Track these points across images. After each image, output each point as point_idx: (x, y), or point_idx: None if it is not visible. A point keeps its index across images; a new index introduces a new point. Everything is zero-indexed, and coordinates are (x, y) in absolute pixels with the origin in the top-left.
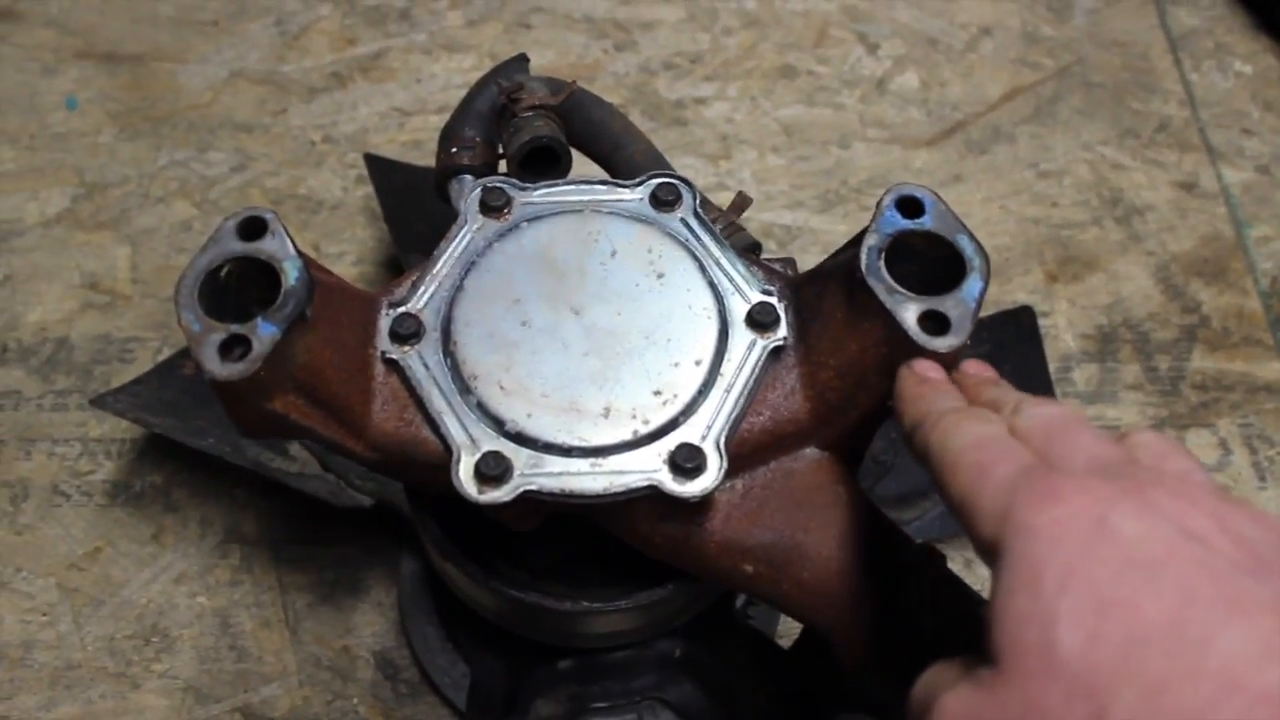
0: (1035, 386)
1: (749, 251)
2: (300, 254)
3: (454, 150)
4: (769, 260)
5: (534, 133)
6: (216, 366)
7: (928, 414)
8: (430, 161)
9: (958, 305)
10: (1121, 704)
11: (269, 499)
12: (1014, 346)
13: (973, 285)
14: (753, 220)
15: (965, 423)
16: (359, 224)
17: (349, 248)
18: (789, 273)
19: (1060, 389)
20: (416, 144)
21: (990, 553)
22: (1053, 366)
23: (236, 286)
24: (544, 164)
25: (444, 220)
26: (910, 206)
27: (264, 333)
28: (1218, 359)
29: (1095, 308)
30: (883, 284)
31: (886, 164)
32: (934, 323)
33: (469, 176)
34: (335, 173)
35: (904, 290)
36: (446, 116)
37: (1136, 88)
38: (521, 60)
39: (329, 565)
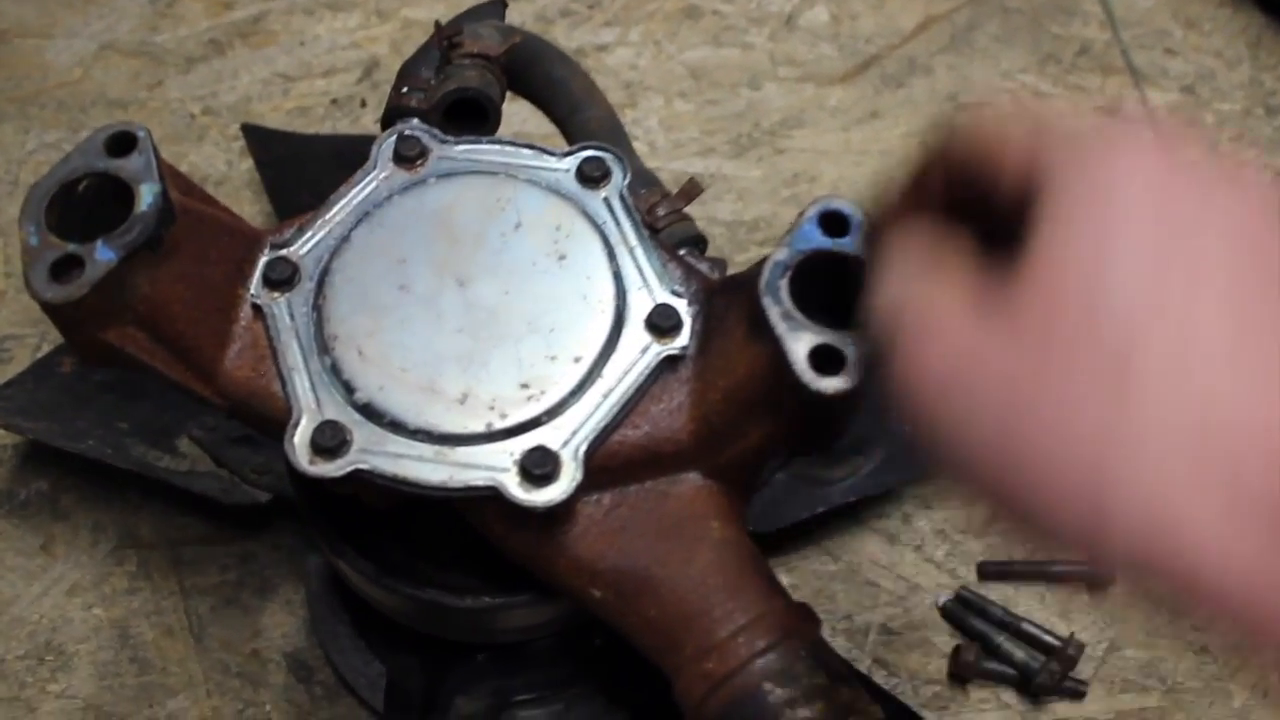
0: None
1: (690, 246)
2: (165, 178)
3: (404, 90)
4: (697, 259)
5: (461, 83)
6: (42, 285)
7: None
8: (318, 130)
9: (857, 344)
10: (1151, 363)
11: (164, 499)
12: None
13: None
14: (663, 170)
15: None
16: (245, 199)
17: None
18: (714, 275)
19: None
20: (303, 111)
21: (1026, 191)
22: None
23: (92, 205)
24: (468, 119)
25: (331, 191)
26: (834, 222)
27: (100, 257)
28: None
29: None
30: (778, 306)
31: (800, 104)
32: (826, 360)
33: (416, 120)
34: (218, 146)
35: (801, 316)
36: (333, 81)
37: (1055, 10)
38: (496, 4)
39: (232, 565)
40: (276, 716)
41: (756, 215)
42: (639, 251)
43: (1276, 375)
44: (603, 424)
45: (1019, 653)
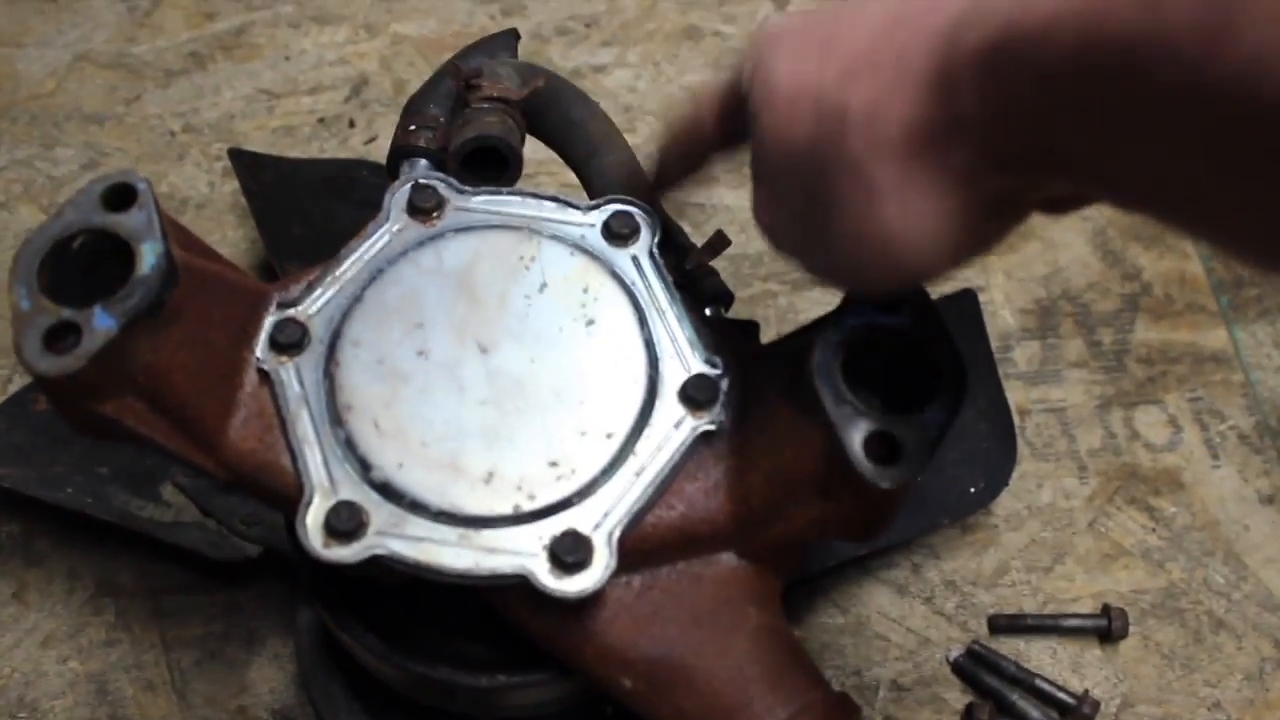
0: (978, 375)
1: (716, 303)
2: (167, 235)
3: (412, 129)
4: (728, 321)
5: (481, 129)
6: (35, 357)
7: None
8: (304, 151)
9: (915, 431)
10: (829, 74)
11: (145, 545)
12: (955, 333)
13: (938, 412)
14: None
15: None
16: (229, 223)
17: (219, 250)
18: (748, 342)
19: (1001, 370)
20: (288, 130)
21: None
22: (992, 346)
23: (89, 264)
24: (489, 167)
25: (323, 221)
26: (888, 299)
27: (99, 325)
28: (1162, 329)
29: (1033, 279)
30: (831, 390)
31: None
32: (884, 447)
33: (424, 162)
34: (200, 166)
35: (855, 401)
36: (319, 99)
37: None
38: (508, 36)
39: (217, 616)
40: None
41: (760, 249)
42: (670, 316)
43: (905, 3)
44: (637, 505)
45: (1034, 712)
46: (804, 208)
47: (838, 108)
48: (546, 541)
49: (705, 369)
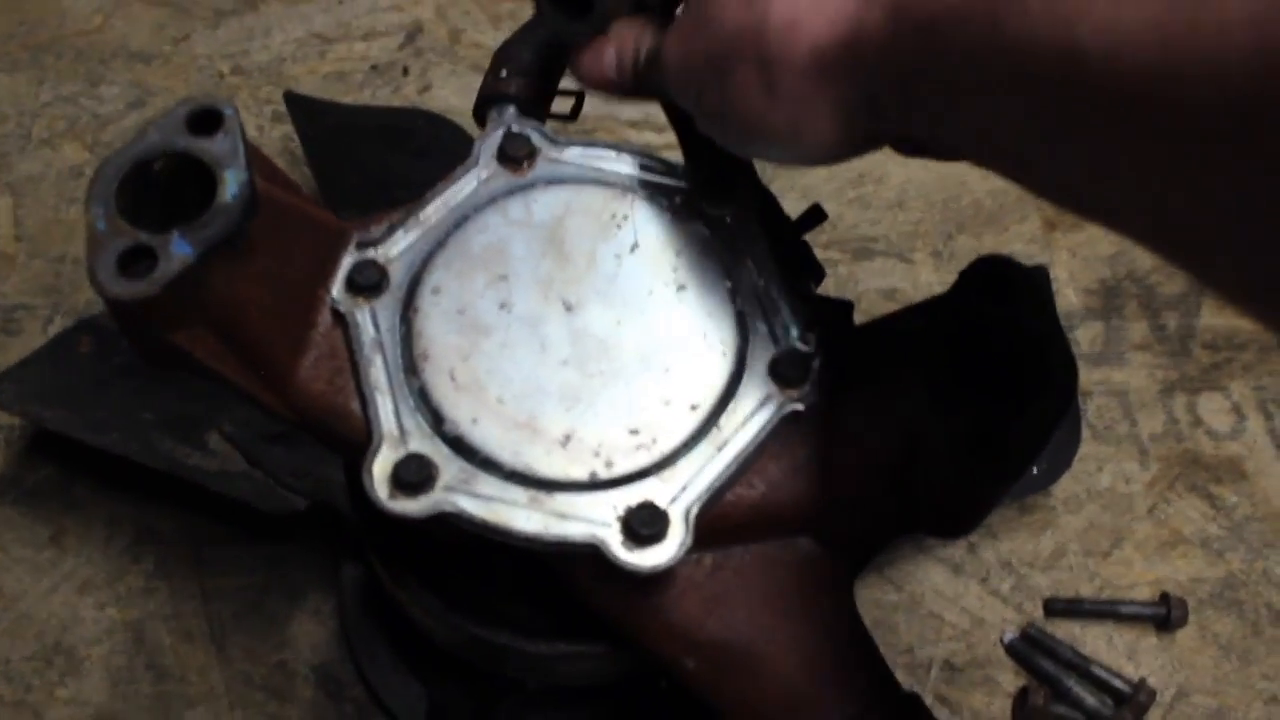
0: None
1: (806, 278)
2: (251, 165)
3: (503, 74)
4: (822, 298)
5: None
6: (109, 279)
7: None
8: (356, 98)
9: (1018, 432)
10: None
11: (186, 493)
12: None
13: (1042, 413)
14: None
15: None
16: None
17: None
18: (841, 318)
19: None
20: (340, 76)
21: None
22: None
23: (168, 188)
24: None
25: (379, 170)
26: (999, 286)
27: (177, 251)
28: (1228, 314)
29: (1098, 259)
30: (927, 381)
31: None
32: (982, 445)
33: (513, 109)
34: (249, 109)
35: (952, 395)
36: (373, 45)
37: None
38: None
39: (258, 568)
40: None
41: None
42: (765, 288)
43: None
44: (717, 482)
45: (1089, 698)
46: (711, 74)
47: (764, 7)
48: (621, 512)
49: (798, 345)
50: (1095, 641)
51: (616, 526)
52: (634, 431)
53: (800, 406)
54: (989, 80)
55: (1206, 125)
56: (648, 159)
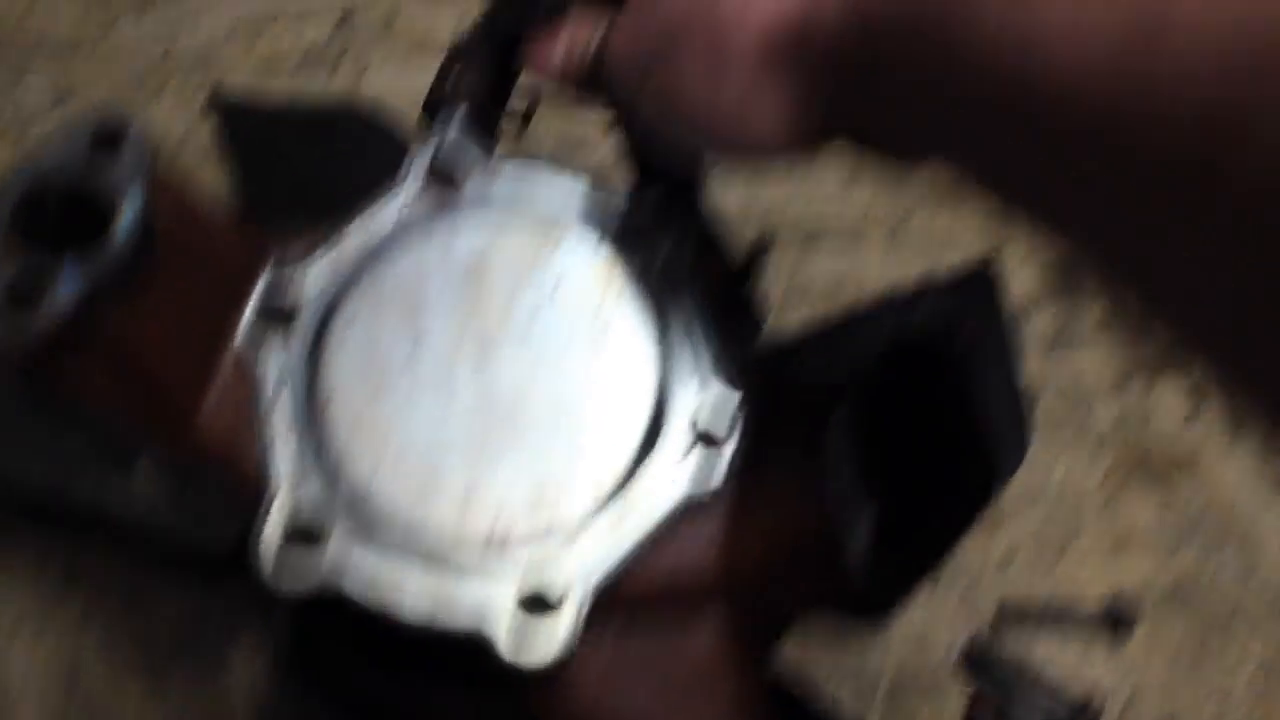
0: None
1: (747, 318)
2: (151, 189)
3: (455, 73)
4: (756, 351)
5: None
6: None
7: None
8: (291, 83)
9: (930, 527)
10: None
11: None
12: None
13: (960, 503)
14: None
15: None
16: (209, 164)
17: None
18: (772, 370)
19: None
20: (273, 62)
21: None
22: (1012, 309)
23: (66, 211)
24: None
25: (309, 172)
26: (927, 365)
27: (65, 286)
28: None
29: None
30: (844, 464)
31: None
32: (892, 538)
33: (463, 110)
34: (178, 100)
35: (867, 482)
36: (306, 27)
37: None
38: None
39: (194, 599)
40: None
41: (770, 200)
42: (694, 333)
43: None
44: (623, 551)
45: (1041, 703)
46: (658, 57)
47: None
48: (517, 582)
49: (720, 402)
50: (1046, 647)
51: (511, 593)
52: (537, 493)
53: (716, 467)
54: (940, 88)
55: (1160, 173)
56: (586, 185)
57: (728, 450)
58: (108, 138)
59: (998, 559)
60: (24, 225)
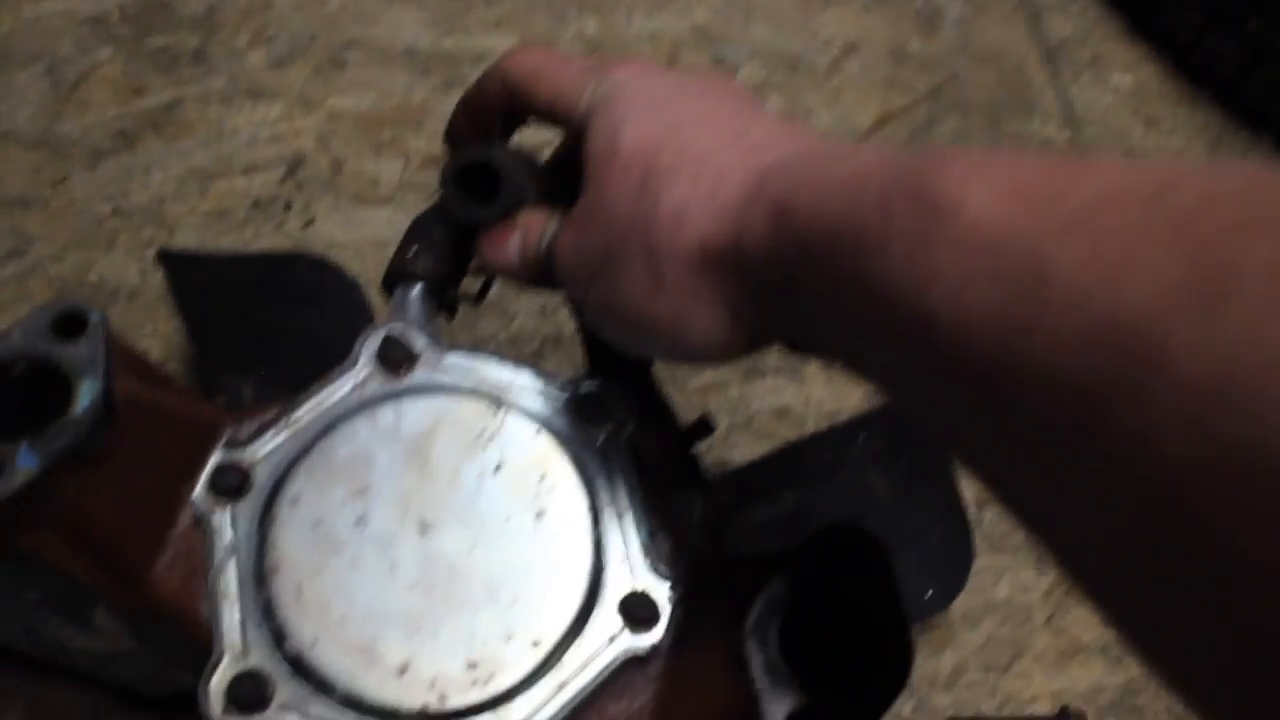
0: (934, 477)
1: (691, 492)
2: (110, 374)
3: (414, 251)
4: (694, 525)
5: (483, 151)
6: None
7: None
8: (239, 235)
9: (845, 715)
10: (663, 160)
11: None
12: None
13: (871, 699)
14: None
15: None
16: (161, 314)
17: (151, 343)
18: (709, 549)
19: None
20: (222, 214)
21: (582, 120)
22: None
23: (27, 390)
24: (479, 189)
25: (260, 323)
26: (846, 558)
27: (21, 464)
28: None
29: None
30: (763, 655)
31: None
32: None
33: (420, 286)
34: (130, 254)
35: (787, 671)
36: (254, 179)
37: (1014, 106)
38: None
39: None
40: None
41: None
42: (627, 519)
43: (747, 141)
44: None
45: None
46: (602, 263)
47: (654, 194)
48: None
49: (652, 584)
50: None
51: None
52: (472, 665)
53: (645, 648)
54: (854, 312)
55: (1040, 422)
56: (529, 370)
57: (656, 633)
58: (70, 322)
59: (947, 675)
60: None
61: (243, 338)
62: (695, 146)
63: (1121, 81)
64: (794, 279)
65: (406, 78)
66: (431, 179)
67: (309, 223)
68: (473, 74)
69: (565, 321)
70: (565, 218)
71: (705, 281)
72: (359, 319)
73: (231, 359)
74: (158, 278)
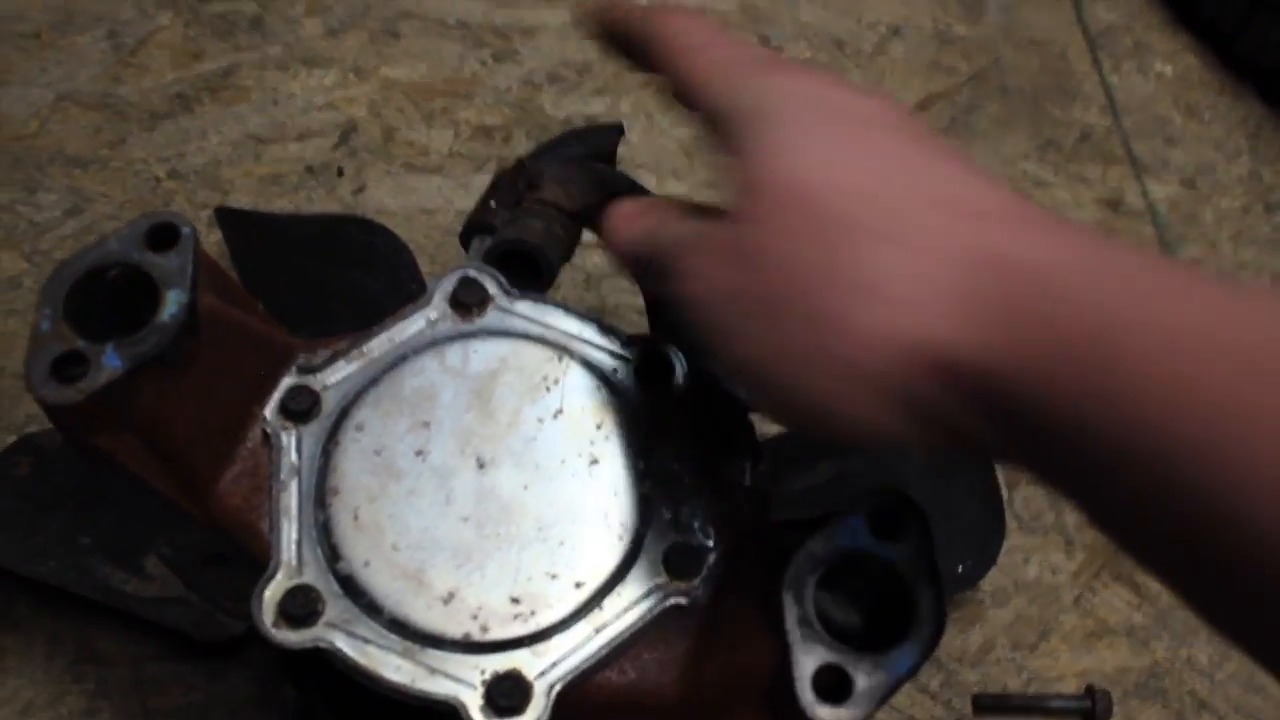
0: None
1: (743, 458)
2: (195, 285)
3: (492, 205)
4: (741, 484)
5: (520, 232)
6: (39, 381)
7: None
8: (292, 200)
9: (874, 673)
10: (851, 212)
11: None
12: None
13: (905, 656)
14: None
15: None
16: None
17: None
18: (757, 513)
19: None
20: (276, 178)
21: (725, 117)
22: None
23: (118, 297)
24: (521, 271)
25: (314, 282)
26: (886, 521)
27: (107, 364)
28: None
29: None
30: (798, 608)
31: None
32: (836, 682)
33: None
34: (186, 213)
35: (819, 627)
36: (307, 145)
37: (1056, 92)
38: (612, 132)
39: (200, 685)
40: None
41: None
42: (679, 474)
43: (955, 206)
44: (588, 662)
45: None
46: (754, 316)
47: (836, 252)
48: (487, 677)
49: (696, 539)
50: None
51: (479, 691)
52: (516, 600)
53: (685, 601)
54: (1083, 456)
55: None
56: (594, 323)
57: (696, 586)
58: (163, 234)
59: (975, 651)
60: (78, 308)
61: (296, 295)
62: (889, 199)
63: (1162, 69)
64: (1023, 406)
65: (459, 49)
66: (481, 149)
67: (360, 189)
68: (523, 48)
69: (609, 293)
70: (705, 230)
71: (888, 389)
72: (408, 281)
73: (284, 316)
74: (212, 239)
